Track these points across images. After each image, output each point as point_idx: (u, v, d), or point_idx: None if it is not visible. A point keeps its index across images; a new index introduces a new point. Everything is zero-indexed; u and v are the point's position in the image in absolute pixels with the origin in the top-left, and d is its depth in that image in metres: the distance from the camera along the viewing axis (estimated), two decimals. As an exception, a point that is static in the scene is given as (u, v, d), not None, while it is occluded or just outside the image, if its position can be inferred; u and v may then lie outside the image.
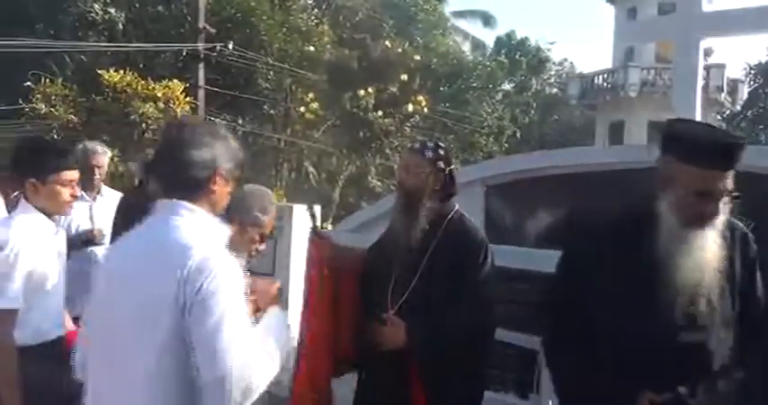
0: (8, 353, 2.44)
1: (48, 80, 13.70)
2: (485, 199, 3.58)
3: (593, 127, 26.75)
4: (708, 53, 20.35)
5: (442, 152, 2.71)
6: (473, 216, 3.03)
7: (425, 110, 18.18)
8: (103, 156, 4.24)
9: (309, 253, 2.75)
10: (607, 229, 2.05)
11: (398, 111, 17.41)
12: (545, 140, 28.15)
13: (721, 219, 1.89)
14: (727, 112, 27.12)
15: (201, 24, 16.81)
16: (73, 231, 3.88)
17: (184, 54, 17.10)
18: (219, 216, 1.88)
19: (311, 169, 19.58)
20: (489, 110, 25.17)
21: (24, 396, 2.44)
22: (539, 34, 74.08)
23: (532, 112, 29.85)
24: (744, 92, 27.09)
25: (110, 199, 4.16)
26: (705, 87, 21.07)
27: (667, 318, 1.91)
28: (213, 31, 16.99)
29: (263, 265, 3.97)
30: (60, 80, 14.17)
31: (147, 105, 12.82)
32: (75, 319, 2.68)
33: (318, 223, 2.99)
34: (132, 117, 12.75)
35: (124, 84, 13.02)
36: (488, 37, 39.59)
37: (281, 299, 2.15)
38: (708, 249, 1.89)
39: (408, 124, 17.99)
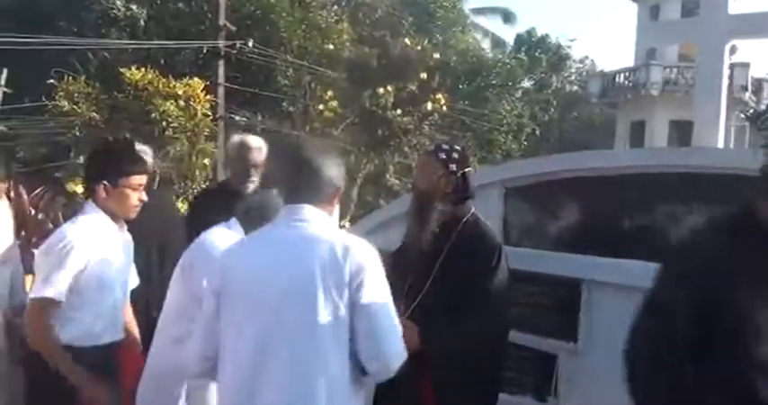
0: (47, 345, 2.47)
1: (70, 78, 13.86)
2: (503, 201, 3.56)
3: (613, 126, 26.47)
4: (732, 52, 20.05)
5: (455, 155, 2.68)
6: (491, 219, 3.01)
7: (444, 108, 18.12)
8: (152, 160, 4.15)
9: None
10: (717, 245, 1.75)
11: (417, 109, 17.37)
12: (564, 139, 27.96)
13: None
14: (751, 111, 26.71)
15: (222, 22, 16.91)
16: None
17: (205, 51, 17.22)
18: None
19: (330, 167, 19.56)
20: (509, 108, 25.04)
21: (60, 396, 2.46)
22: (559, 31, 73.49)
23: (552, 109, 29.65)
24: (769, 91, 26.64)
25: None
26: (729, 86, 20.72)
27: None
28: (233, 28, 17.09)
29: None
30: (83, 78, 14.33)
31: (168, 103, 12.94)
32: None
33: (337, 222, 3.01)
34: (153, 115, 12.87)
35: (146, 82, 13.14)
36: (508, 34, 39.47)
37: None
38: None
39: (427, 123, 17.94)
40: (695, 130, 3.98)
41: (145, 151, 4.11)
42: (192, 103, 13.33)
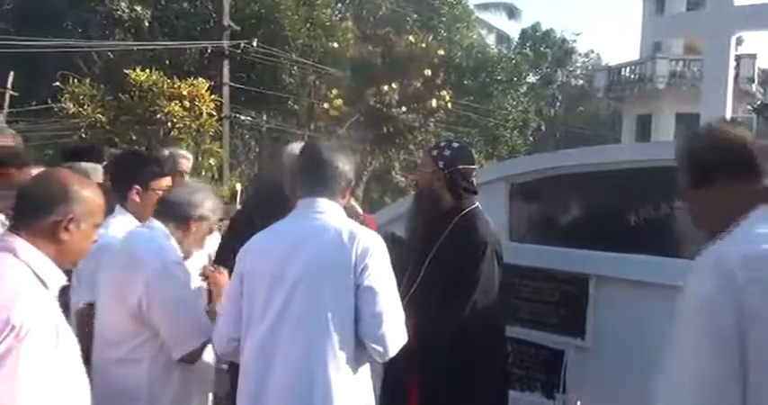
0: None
1: (75, 80, 13.90)
2: (509, 197, 3.55)
3: (619, 120, 26.38)
4: (738, 43, 19.93)
5: (446, 152, 2.78)
6: (497, 215, 3.01)
7: (449, 105, 18.09)
8: (189, 162, 4.08)
9: None
10: None
11: (422, 106, 17.35)
12: (570, 134, 27.87)
13: None
14: (759, 102, 26.55)
15: (226, 22, 16.94)
16: None
17: (209, 51, 17.25)
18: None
19: (335, 165, 19.58)
20: (514, 103, 24.99)
21: None
22: (564, 25, 73.29)
23: (558, 104, 29.58)
24: (776, 82, 26.45)
25: None
26: (735, 78, 20.65)
27: None
28: (237, 28, 17.11)
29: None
30: (88, 80, 14.38)
31: (173, 103, 12.95)
32: None
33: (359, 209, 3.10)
34: (158, 115, 12.89)
35: (150, 82, 13.16)
36: (513, 29, 39.31)
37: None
38: None
39: (432, 119, 17.92)
40: (701, 122, 3.97)
41: (184, 155, 4.07)
42: (196, 103, 13.35)
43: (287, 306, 2.13)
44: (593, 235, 3.18)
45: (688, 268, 1.55)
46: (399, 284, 2.66)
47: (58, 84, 13.96)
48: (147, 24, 18.12)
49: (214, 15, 17.86)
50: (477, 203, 2.81)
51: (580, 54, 33.28)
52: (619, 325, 2.97)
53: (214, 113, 14.23)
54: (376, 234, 2.26)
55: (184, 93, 13.26)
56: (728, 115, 3.99)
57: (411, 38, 18.04)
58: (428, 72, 17.35)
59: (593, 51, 34.65)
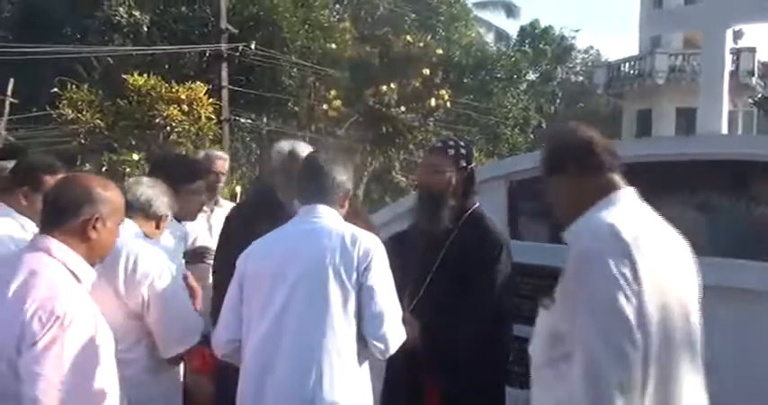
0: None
1: (74, 86, 13.90)
2: (507, 195, 3.54)
3: (620, 115, 26.34)
4: (738, 36, 19.88)
5: (463, 150, 2.73)
6: (496, 212, 3.00)
7: (448, 104, 18.06)
8: (226, 162, 3.95)
9: None
10: None
11: (421, 105, 17.32)
12: (571, 130, 27.71)
13: None
14: (759, 96, 26.49)
15: (224, 25, 16.93)
16: (189, 242, 3.49)
17: (208, 55, 17.25)
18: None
19: (336, 166, 19.56)
20: (514, 101, 24.96)
21: None
22: (563, 22, 73.11)
23: (558, 101, 29.53)
24: (776, 75, 26.37)
25: (226, 211, 3.57)
26: (735, 72, 20.59)
27: None
28: (235, 31, 17.09)
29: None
30: (86, 85, 14.38)
31: (172, 108, 12.94)
32: None
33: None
34: (157, 120, 12.88)
35: (148, 87, 13.15)
36: (512, 27, 39.28)
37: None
38: None
39: (432, 119, 17.89)
40: (698, 117, 3.96)
41: (220, 156, 4.00)
42: (195, 107, 13.33)
43: (288, 305, 2.17)
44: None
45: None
46: (399, 285, 2.66)
47: (56, 90, 13.96)
48: (145, 29, 18.14)
49: (212, 19, 17.85)
50: (477, 202, 2.80)
51: (579, 51, 33.26)
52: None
53: (213, 117, 14.21)
54: (375, 236, 2.32)
55: (182, 97, 13.24)
56: (725, 108, 3.97)
57: (409, 38, 18.00)
58: (427, 71, 17.31)
59: (592, 48, 34.60)
